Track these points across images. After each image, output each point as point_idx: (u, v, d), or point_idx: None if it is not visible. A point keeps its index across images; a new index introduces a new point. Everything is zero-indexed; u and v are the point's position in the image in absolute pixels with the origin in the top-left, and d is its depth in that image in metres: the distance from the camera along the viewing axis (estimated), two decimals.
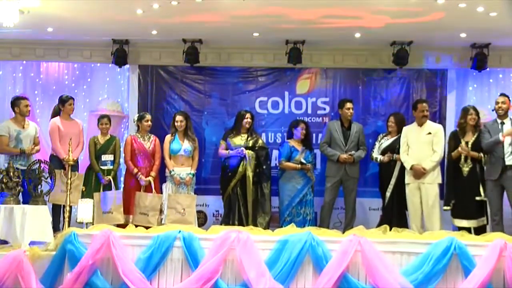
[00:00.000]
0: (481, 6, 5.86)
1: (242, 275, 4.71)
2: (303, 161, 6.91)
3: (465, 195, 6.44)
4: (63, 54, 7.77)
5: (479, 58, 7.35)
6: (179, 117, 6.98)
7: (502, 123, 6.28)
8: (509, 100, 6.35)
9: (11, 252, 4.86)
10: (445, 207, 6.62)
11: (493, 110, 6.52)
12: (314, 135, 7.45)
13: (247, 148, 6.92)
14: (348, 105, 7.03)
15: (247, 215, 6.81)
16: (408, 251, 4.83)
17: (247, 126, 7.03)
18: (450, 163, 6.66)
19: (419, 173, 6.52)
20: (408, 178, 6.62)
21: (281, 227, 6.38)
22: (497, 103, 6.36)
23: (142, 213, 6.51)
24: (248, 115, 7.06)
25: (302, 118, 7.53)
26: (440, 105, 7.64)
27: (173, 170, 6.83)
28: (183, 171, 6.86)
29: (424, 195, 6.54)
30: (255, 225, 6.36)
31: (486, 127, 6.44)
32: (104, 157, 6.80)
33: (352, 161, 6.90)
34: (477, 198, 6.40)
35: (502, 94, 6.47)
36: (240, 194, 6.87)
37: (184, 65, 7.69)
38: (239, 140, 7.00)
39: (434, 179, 6.56)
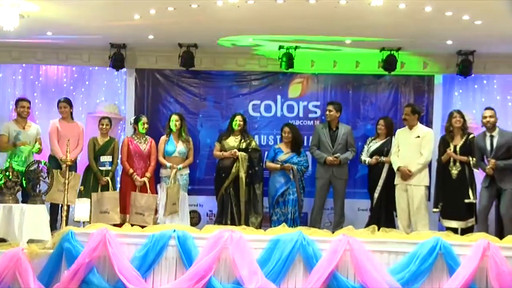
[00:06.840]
0: (467, 14, 5.94)
1: (234, 273, 4.81)
2: (278, 161, 6.99)
3: (454, 197, 6.54)
4: (62, 57, 7.78)
5: (465, 65, 7.42)
6: (175, 117, 7.04)
7: (491, 136, 6.33)
8: (495, 112, 6.40)
9: (10, 250, 4.93)
10: (434, 209, 6.73)
11: (482, 126, 6.52)
12: (305, 137, 7.50)
13: (240, 150, 6.97)
14: (329, 107, 7.12)
15: (239, 215, 6.87)
16: (395, 251, 4.94)
17: (238, 128, 7.09)
18: (439, 166, 6.76)
19: (405, 175, 6.63)
20: (396, 179, 6.73)
21: (271, 226, 6.50)
22: (484, 117, 6.37)
23: (138, 212, 6.56)
24: (238, 117, 7.11)
25: (292, 122, 7.62)
26: (427, 110, 7.68)
27: (169, 164, 6.87)
28: (177, 172, 6.87)
29: (411, 196, 6.64)
30: (247, 224, 6.42)
31: (475, 143, 6.45)
32: (103, 158, 6.81)
33: (338, 163, 6.95)
34: (466, 200, 6.50)
35: (489, 108, 6.48)
36: (233, 194, 6.92)
37: (179, 69, 7.71)
38: (233, 141, 7.08)
39: (420, 181, 6.64)
